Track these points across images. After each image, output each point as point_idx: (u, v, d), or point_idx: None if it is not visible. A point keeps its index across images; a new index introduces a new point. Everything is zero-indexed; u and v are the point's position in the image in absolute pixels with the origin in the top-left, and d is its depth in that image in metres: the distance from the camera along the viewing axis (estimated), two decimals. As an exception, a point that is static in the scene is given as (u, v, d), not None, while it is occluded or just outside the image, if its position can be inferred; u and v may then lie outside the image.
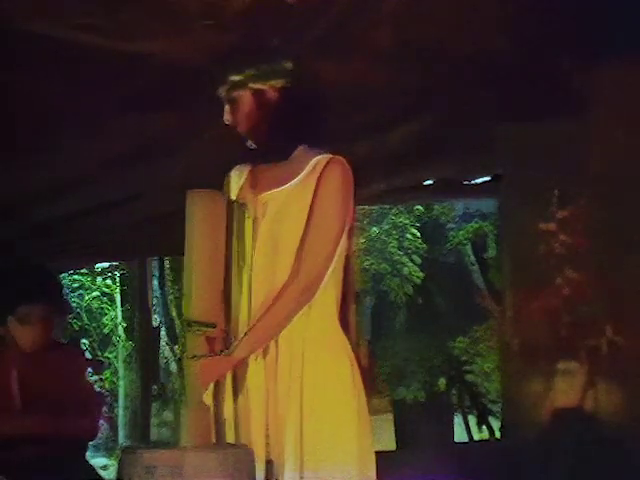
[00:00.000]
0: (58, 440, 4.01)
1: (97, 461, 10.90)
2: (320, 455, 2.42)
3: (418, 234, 14.50)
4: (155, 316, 11.73)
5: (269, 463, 2.43)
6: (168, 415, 14.28)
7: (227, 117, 2.52)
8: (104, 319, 14.23)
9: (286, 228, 2.49)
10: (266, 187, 2.53)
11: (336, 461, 2.44)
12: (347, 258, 2.58)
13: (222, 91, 2.51)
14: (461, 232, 14.57)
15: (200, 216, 2.47)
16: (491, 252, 13.06)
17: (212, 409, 2.45)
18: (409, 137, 3.63)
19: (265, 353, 2.48)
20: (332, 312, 2.54)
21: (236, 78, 2.48)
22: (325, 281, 2.48)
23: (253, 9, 2.45)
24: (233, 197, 2.59)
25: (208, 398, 2.46)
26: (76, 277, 13.68)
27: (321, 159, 2.48)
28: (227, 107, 2.52)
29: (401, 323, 15.54)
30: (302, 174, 2.50)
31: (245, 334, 2.46)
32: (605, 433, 2.93)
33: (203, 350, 2.42)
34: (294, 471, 2.40)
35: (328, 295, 2.51)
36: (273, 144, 2.52)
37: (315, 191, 2.47)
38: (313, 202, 2.47)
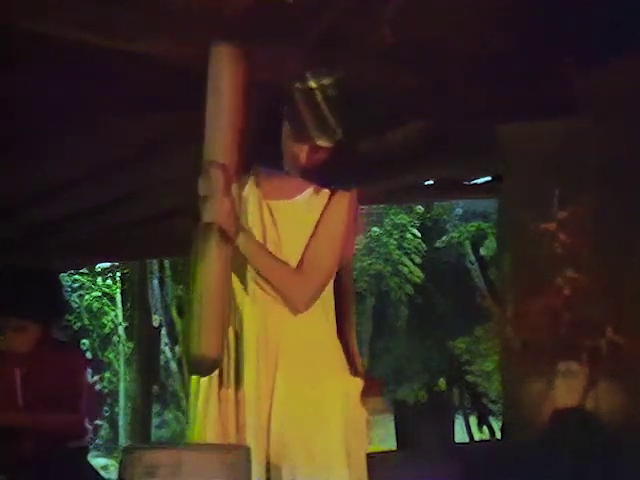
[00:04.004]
0: (57, 440, 4.03)
1: (98, 461, 10.91)
2: (311, 459, 2.43)
3: (418, 234, 14.53)
4: (155, 316, 11.73)
5: (268, 465, 2.43)
6: (169, 415, 14.30)
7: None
8: (104, 319, 14.24)
9: (292, 238, 2.49)
10: (274, 195, 2.53)
11: (325, 464, 2.45)
12: (344, 270, 2.59)
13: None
14: (461, 232, 14.60)
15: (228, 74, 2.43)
16: (491, 252, 13.07)
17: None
18: (409, 137, 3.62)
19: (266, 355, 2.48)
20: (332, 320, 2.56)
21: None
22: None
23: (253, 9, 2.45)
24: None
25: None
26: (76, 277, 13.69)
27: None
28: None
29: (402, 323, 15.57)
30: (310, 189, 2.51)
31: (255, 245, 2.46)
32: (606, 433, 2.93)
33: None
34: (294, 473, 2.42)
35: (327, 304, 2.54)
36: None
37: (323, 212, 2.50)
38: (322, 219, 2.49)
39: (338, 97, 2.40)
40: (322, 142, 2.40)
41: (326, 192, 2.53)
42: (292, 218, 2.51)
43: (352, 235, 2.58)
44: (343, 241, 2.53)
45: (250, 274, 2.51)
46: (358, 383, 2.57)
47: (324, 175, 2.50)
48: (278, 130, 2.48)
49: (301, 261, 2.49)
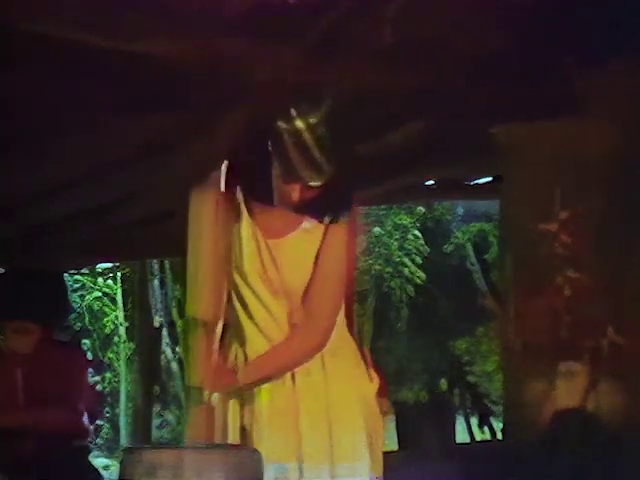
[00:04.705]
0: (57, 440, 4.03)
1: (99, 461, 10.91)
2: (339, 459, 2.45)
3: (419, 235, 14.51)
4: (156, 317, 11.72)
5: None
6: (169, 415, 14.30)
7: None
8: (105, 320, 14.24)
9: (293, 275, 2.49)
10: (272, 234, 2.51)
11: (353, 463, 2.47)
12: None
13: None
14: (464, 232, 14.58)
15: (207, 215, 2.46)
16: (493, 253, 13.06)
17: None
18: (410, 137, 3.62)
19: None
20: (342, 322, 2.57)
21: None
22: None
23: (253, 9, 2.45)
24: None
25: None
26: (77, 277, 13.69)
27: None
28: None
29: (403, 324, 15.54)
30: (306, 224, 2.50)
31: (253, 362, 2.47)
32: (607, 434, 2.93)
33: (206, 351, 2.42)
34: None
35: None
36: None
37: (322, 244, 2.49)
38: (321, 255, 2.49)
39: (326, 134, 2.34)
40: (313, 182, 2.37)
41: (321, 225, 2.50)
42: (291, 254, 2.48)
43: (353, 260, 2.56)
44: (345, 271, 2.52)
45: (256, 308, 2.51)
46: (375, 383, 2.58)
47: (317, 208, 2.48)
48: (267, 165, 2.43)
49: (306, 304, 2.48)
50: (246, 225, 2.50)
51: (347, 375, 2.53)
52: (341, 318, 2.56)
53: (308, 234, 2.49)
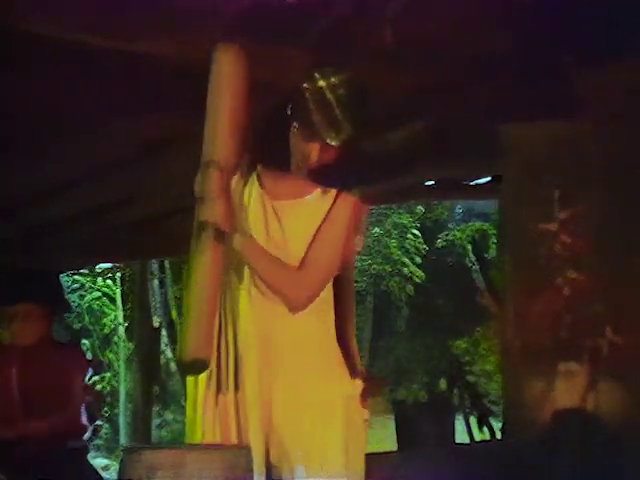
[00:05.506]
0: (57, 440, 4.04)
1: (98, 462, 10.91)
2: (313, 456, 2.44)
3: (419, 234, 14.54)
4: (155, 317, 11.74)
5: (268, 465, 2.44)
6: (169, 415, 14.30)
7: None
8: (105, 320, 14.25)
9: (297, 239, 2.52)
10: (280, 196, 2.54)
11: (323, 466, 2.46)
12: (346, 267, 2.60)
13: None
14: (462, 232, 14.61)
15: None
16: (492, 252, 13.08)
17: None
18: (409, 137, 3.63)
19: (262, 358, 2.49)
20: (329, 322, 2.57)
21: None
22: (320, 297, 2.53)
23: (253, 9, 2.45)
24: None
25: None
26: (77, 278, 13.70)
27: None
28: None
29: (402, 323, 15.57)
30: (316, 193, 2.52)
31: (250, 241, 2.49)
32: (606, 434, 2.93)
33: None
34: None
35: (324, 307, 2.55)
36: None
37: (327, 214, 2.52)
38: (325, 222, 2.51)
39: (347, 95, 2.40)
40: (332, 140, 2.41)
41: (332, 194, 2.53)
42: (298, 218, 2.52)
43: (353, 237, 2.58)
44: (344, 242, 2.54)
45: (247, 278, 2.51)
46: (358, 385, 2.58)
47: (330, 176, 2.51)
48: (284, 131, 2.48)
49: (302, 260, 2.50)
50: (254, 192, 2.53)
51: (325, 375, 2.53)
52: (329, 318, 2.57)
53: (316, 203, 2.53)
